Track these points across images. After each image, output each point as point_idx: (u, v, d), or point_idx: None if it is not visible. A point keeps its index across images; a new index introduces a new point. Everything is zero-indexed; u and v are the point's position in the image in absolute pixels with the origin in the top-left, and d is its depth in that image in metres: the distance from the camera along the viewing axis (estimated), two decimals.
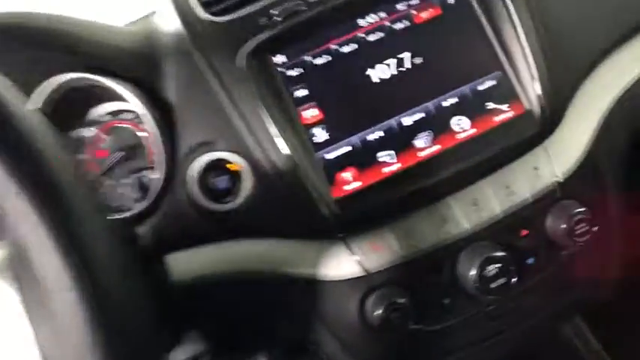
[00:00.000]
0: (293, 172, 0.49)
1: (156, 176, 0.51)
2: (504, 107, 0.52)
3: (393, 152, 0.51)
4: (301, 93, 0.51)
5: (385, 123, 0.51)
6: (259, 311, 0.55)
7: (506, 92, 0.52)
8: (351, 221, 0.50)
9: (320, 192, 0.49)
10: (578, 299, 0.56)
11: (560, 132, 0.53)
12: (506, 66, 0.52)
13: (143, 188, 0.55)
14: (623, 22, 0.56)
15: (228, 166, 0.51)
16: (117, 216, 0.51)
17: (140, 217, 0.52)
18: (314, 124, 0.51)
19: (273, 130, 0.49)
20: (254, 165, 0.50)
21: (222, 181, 0.51)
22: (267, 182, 0.49)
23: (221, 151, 0.51)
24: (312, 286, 0.52)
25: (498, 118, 0.52)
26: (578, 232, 0.50)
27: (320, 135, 0.51)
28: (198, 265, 0.52)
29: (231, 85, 0.50)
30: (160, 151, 0.50)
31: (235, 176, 0.51)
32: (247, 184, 0.50)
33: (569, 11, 0.54)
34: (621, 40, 0.56)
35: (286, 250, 0.52)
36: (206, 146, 0.51)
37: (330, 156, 0.51)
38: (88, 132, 0.56)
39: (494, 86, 0.52)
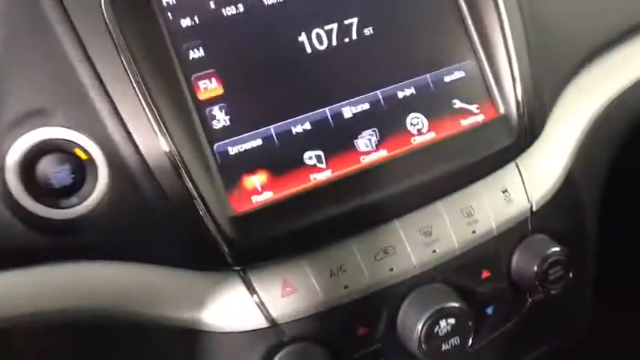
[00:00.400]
0: (172, 171, 0.32)
1: None
2: (473, 108, 0.40)
3: (322, 154, 0.36)
4: (196, 54, 0.35)
5: (316, 112, 0.36)
6: None
7: (477, 89, 0.40)
8: (255, 248, 0.34)
9: (212, 203, 0.33)
10: (542, 352, 0.45)
11: (538, 146, 0.42)
12: (482, 56, 0.39)
13: None
14: (616, 23, 0.47)
15: (75, 152, 0.33)
16: None
17: None
18: (211, 102, 0.35)
19: (146, 104, 0.32)
20: (112, 154, 0.33)
21: (60, 174, 0.33)
22: (130, 181, 0.33)
23: (63, 127, 0.33)
24: (192, 339, 0.35)
25: (465, 122, 0.39)
26: (552, 277, 0.39)
27: (219, 118, 0.35)
28: (12, 297, 0.34)
29: (87, 29, 0.32)
30: None
31: (81, 169, 0.33)
32: (100, 183, 0.33)
33: (560, 4, 0.44)
34: (612, 41, 0.46)
35: (154, 282, 0.35)
36: (39, 118, 0.33)
37: (233, 150, 0.35)
38: None
39: (463, 79, 0.39)
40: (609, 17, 0.46)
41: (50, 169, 0.33)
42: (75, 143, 0.33)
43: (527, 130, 0.39)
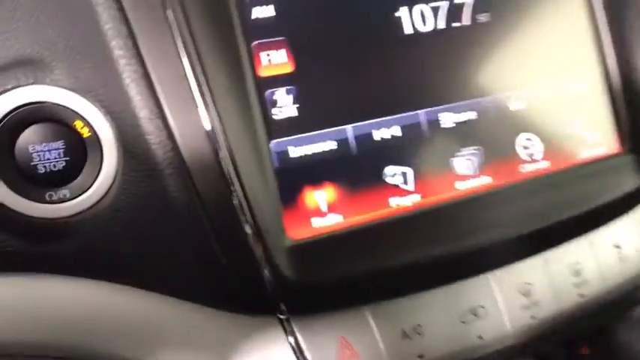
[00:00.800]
0: (216, 169, 0.23)
1: None
2: (595, 137, 0.31)
3: (409, 171, 0.27)
4: (262, 12, 0.25)
5: (407, 115, 0.27)
6: None
7: (602, 112, 0.32)
8: (310, 292, 0.24)
9: (263, 222, 0.23)
10: None
11: None
12: (615, 71, 0.31)
13: None
14: None
15: (74, 125, 0.23)
16: None
17: None
18: (274, 81, 0.25)
19: (190, 69, 0.22)
20: (128, 133, 0.23)
21: (49, 155, 0.23)
22: (149, 175, 0.23)
23: (61, 87, 0.23)
24: None
25: (584, 153, 0.31)
26: None
27: (282, 105, 0.25)
28: None
29: None
30: None
31: (79, 150, 0.23)
32: (105, 172, 0.23)
33: None
34: None
35: (161, 319, 0.25)
36: (29, 70, 0.23)
37: (295, 152, 0.25)
38: None
39: (588, 99, 0.31)
40: None
41: (36, 146, 0.23)
42: (75, 113, 0.23)
43: None
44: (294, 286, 0.24)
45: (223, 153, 0.22)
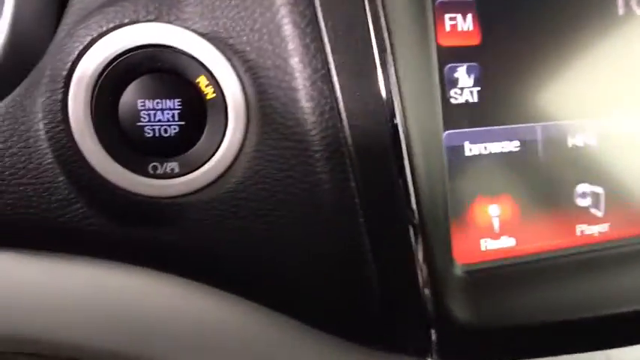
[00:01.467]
0: (382, 160, 0.17)
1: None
2: None
3: (601, 192, 0.21)
4: None
5: (610, 120, 0.21)
6: None
7: None
8: (475, 334, 0.18)
9: (433, 239, 0.18)
10: None
11: None
12: None
13: None
14: None
15: (196, 81, 0.17)
16: None
17: None
18: (459, 54, 0.19)
19: (379, 27, 0.16)
20: (270, 99, 0.17)
21: (161, 115, 0.18)
22: (295, 155, 0.17)
23: (188, 29, 0.17)
24: None
25: None
26: None
27: (463, 87, 0.20)
28: (32, 303, 0.18)
29: None
30: None
31: (198, 113, 0.17)
32: (231, 143, 0.17)
33: None
34: None
35: (267, 342, 0.20)
36: (148, 1, 0.17)
37: (472, 149, 0.19)
38: None
39: None
40: None
41: (146, 101, 0.17)
42: (202, 65, 0.17)
43: None
44: (457, 325, 0.18)
45: (404, 138, 0.16)
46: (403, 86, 0.17)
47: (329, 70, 0.16)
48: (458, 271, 0.18)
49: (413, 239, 0.17)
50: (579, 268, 0.20)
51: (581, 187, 0.21)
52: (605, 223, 0.21)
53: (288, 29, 0.17)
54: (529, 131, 0.20)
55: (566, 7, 0.20)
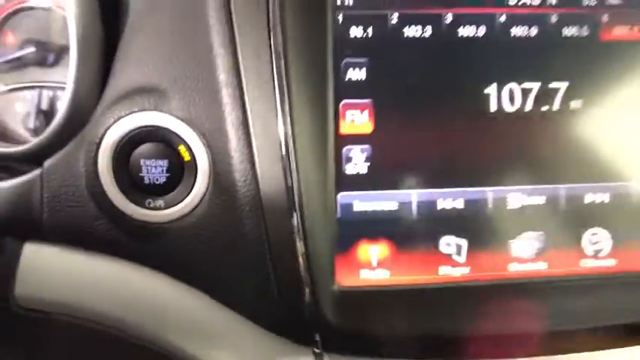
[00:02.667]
0: (286, 210, 0.25)
1: (65, 103, 0.28)
2: None
3: (464, 244, 0.28)
4: (357, 75, 0.27)
5: (475, 190, 0.28)
6: None
7: None
8: (348, 337, 0.27)
9: (317, 266, 0.26)
10: None
11: None
12: None
13: (46, 115, 0.33)
14: None
15: (178, 148, 0.27)
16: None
17: (26, 160, 0.28)
18: (353, 139, 0.27)
19: (286, 118, 0.25)
20: (221, 166, 0.26)
21: (155, 169, 0.28)
22: (231, 203, 0.26)
23: (174, 116, 0.27)
24: None
25: None
26: None
27: (356, 162, 0.28)
28: (65, 282, 0.29)
29: (245, 14, 0.26)
30: (86, 66, 0.27)
31: (179, 170, 0.27)
32: (195, 192, 0.27)
33: None
34: None
35: (220, 327, 0.29)
36: (147, 98, 0.27)
37: (359, 206, 0.28)
38: None
39: None
40: None
41: (146, 160, 0.27)
42: (181, 139, 0.27)
43: None
44: (332, 327, 0.26)
45: (295, 199, 0.25)
46: (301, 164, 0.25)
47: (252, 152, 0.25)
48: (336, 290, 0.26)
49: (302, 268, 0.26)
50: (439, 300, 0.27)
51: (445, 239, 0.28)
52: (466, 267, 0.28)
53: (228, 125, 0.26)
54: (406, 196, 0.27)
55: (441, 106, 0.27)
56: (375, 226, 0.27)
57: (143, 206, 0.27)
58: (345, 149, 0.27)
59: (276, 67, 0.25)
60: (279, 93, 0.25)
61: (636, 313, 0.28)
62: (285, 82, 0.25)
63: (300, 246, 0.25)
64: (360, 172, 0.27)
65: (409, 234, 0.28)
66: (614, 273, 0.29)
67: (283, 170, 0.25)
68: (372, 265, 0.28)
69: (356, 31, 0.27)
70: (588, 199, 0.29)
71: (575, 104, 0.28)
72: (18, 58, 0.33)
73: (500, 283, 0.28)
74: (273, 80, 0.25)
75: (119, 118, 0.27)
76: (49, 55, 0.33)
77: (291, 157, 0.25)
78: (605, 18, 0.28)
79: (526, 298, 0.28)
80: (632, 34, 0.28)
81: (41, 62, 0.33)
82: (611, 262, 0.29)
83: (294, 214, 0.25)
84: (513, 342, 0.28)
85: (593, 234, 0.29)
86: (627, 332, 0.28)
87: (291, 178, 0.25)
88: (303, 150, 0.26)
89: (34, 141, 0.29)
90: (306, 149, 0.26)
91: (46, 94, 0.33)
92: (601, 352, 0.29)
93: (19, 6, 0.33)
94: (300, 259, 0.25)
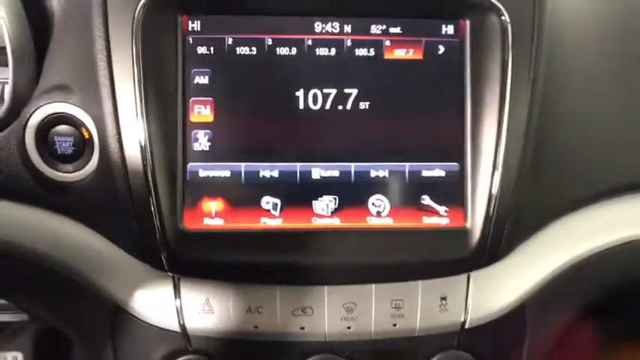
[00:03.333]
0: (142, 173, 0.37)
1: (7, 94, 0.39)
2: (441, 210, 0.40)
3: (278, 203, 0.39)
4: (202, 80, 0.39)
5: (287, 164, 0.39)
6: (51, 306, 0.45)
7: (451, 193, 0.40)
8: (191, 264, 0.38)
9: (166, 213, 0.37)
10: None
11: (498, 269, 0.41)
12: (468, 162, 0.39)
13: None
14: (623, 175, 0.43)
15: (81, 130, 0.39)
16: None
17: None
18: (199, 126, 0.39)
19: (141, 111, 0.36)
20: (105, 143, 0.38)
21: (65, 144, 0.39)
22: (111, 169, 0.38)
23: (77, 107, 0.38)
24: (115, 313, 0.41)
25: (427, 220, 0.39)
26: None
27: (201, 142, 0.39)
28: (6, 225, 0.41)
29: (117, 32, 0.37)
30: (21, 66, 0.38)
31: (81, 145, 0.39)
32: (92, 162, 0.38)
33: (581, 137, 0.42)
34: (614, 192, 0.43)
35: (107, 256, 0.41)
36: (61, 93, 0.39)
37: (203, 173, 0.39)
38: None
39: (440, 179, 0.40)
40: (623, 166, 0.43)
41: (59, 136, 0.39)
42: (82, 123, 0.39)
43: (487, 251, 0.39)
44: (181, 258, 0.38)
45: (149, 164, 0.36)
46: (156, 141, 0.36)
47: (120, 134, 0.37)
48: (182, 229, 0.37)
49: (155, 217, 0.37)
50: (257, 240, 0.38)
51: (266, 199, 0.39)
52: (280, 219, 0.39)
53: (106, 112, 0.37)
54: (237, 167, 0.39)
55: (264, 104, 0.38)
56: (214, 188, 0.39)
57: (57, 169, 0.39)
58: (193, 132, 0.38)
59: (137, 72, 0.36)
60: (139, 90, 0.36)
61: (405, 254, 0.39)
62: (143, 83, 0.36)
63: (152, 201, 0.36)
64: (204, 149, 0.38)
65: (239, 194, 0.39)
66: (390, 227, 0.39)
67: (142, 148, 0.36)
68: (212, 216, 0.39)
69: (201, 49, 0.38)
70: (373, 174, 0.39)
71: (363, 105, 0.39)
72: None
73: (304, 232, 0.38)
74: (134, 82, 0.36)
75: (40, 106, 0.39)
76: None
77: (147, 138, 0.36)
78: (387, 42, 0.39)
79: (324, 243, 0.38)
80: (407, 55, 0.39)
81: None
82: (388, 221, 0.39)
83: (149, 179, 0.36)
84: (318, 272, 0.39)
85: (377, 199, 0.39)
86: (397, 267, 0.39)
87: (150, 154, 0.36)
88: (159, 131, 0.37)
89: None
90: (162, 131, 0.37)
91: None
92: (381, 284, 0.39)
93: None
94: (153, 210, 0.37)
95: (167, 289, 0.40)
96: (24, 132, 0.38)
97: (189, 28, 0.38)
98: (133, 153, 0.37)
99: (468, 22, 0.39)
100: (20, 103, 0.39)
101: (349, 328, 0.40)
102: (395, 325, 0.40)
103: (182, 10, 0.37)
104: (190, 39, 0.38)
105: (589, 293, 0.47)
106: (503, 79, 0.38)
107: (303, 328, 0.39)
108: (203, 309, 0.39)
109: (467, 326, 0.40)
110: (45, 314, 0.48)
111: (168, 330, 0.39)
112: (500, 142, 0.38)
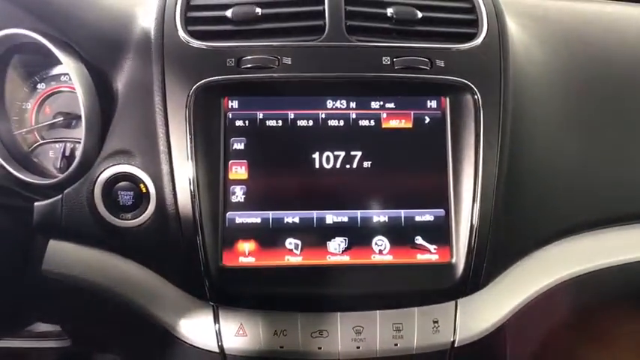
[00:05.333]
0: (192, 222, 0.46)
1: (79, 154, 0.49)
2: (431, 248, 0.49)
3: (300, 243, 0.48)
4: (238, 146, 0.49)
5: (306, 212, 0.48)
6: (107, 331, 0.53)
7: (439, 234, 0.48)
8: (230, 295, 0.47)
9: (210, 253, 0.46)
10: None
11: (481, 296, 0.50)
12: (452, 208, 0.48)
13: (69, 160, 0.54)
14: (590, 212, 0.52)
15: (140, 185, 0.48)
16: (38, 179, 0.50)
17: (54, 189, 0.49)
18: (236, 182, 0.48)
19: (192, 173, 0.46)
20: (161, 197, 0.47)
21: (126, 196, 0.49)
22: (165, 217, 0.47)
23: (137, 167, 0.48)
24: (164, 336, 0.49)
25: (421, 257, 0.48)
26: None
27: (237, 195, 0.48)
28: (73, 263, 0.50)
29: (174, 110, 0.47)
30: (91, 131, 0.48)
31: (139, 198, 0.48)
32: (148, 211, 0.48)
33: (540, 184, 0.51)
34: (575, 229, 0.52)
35: (159, 289, 0.49)
36: (124, 156, 0.48)
37: (238, 220, 0.48)
38: (41, 86, 0.54)
39: (430, 222, 0.49)
40: (589, 205, 0.52)
41: (121, 191, 0.48)
42: (141, 180, 0.48)
43: (470, 281, 0.47)
44: (220, 290, 0.46)
45: (198, 215, 0.45)
46: (203, 196, 0.46)
47: (175, 191, 0.46)
48: (222, 266, 0.46)
49: (201, 256, 0.45)
50: (282, 274, 0.47)
51: (289, 241, 0.48)
52: (301, 257, 0.48)
53: (164, 171, 0.47)
54: (265, 215, 0.48)
55: (288, 165, 0.48)
56: (247, 232, 0.48)
57: (119, 218, 0.48)
58: (231, 187, 0.48)
59: (190, 140, 0.46)
60: (191, 155, 0.46)
61: (403, 285, 0.47)
62: (194, 149, 0.46)
63: (199, 243, 0.45)
64: (240, 201, 0.48)
65: (267, 237, 0.48)
66: (390, 263, 0.48)
67: (192, 200, 0.46)
68: (246, 254, 0.48)
69: (239, 122, 0.48)
70: (375, 219, 0.48)
71: (366, 164, 0.49)
72: (52, 123, 0.54)
73: (320, 267, 0.47)
74: (187, 148, 0.46)
75: (107, 168, 0.48)
76: (72, 121, 0.55)
77: (196, 193, 0.46)
78: (384, 115, 0.49)
79: (337, 277, 0.47)
80: (400, 124, 0.49)
81: (67, 126, 0.55)
82: (389, 258, 0.48)
83: (197, 225, 0.45)
84: (332, 301, 0.47)
85: (379, 239, 0.48)
86: (397, 296, 0.47)
87: (196, 204, 0.46)
88: (205, 188, 0.46)
89: (60, 177, 0.50)
90: (207, 188, 0.47)
91: (69, 146, 0.55)
92: (385, 310, 0.48)
93: (53, 90, 0.54)
94: (199, 250, 0.45)
95: (208, 316, 0.48)
96: (93, 187, 0.48)
97: (229, 106, 0.48)
98: (184, 204, 0.46)
99: (447, 99, 0.49)
100: (88, 161, 0.49)
101: (358, 347, 0.48)
102: (396, 344, 0.48)
103: (224, 93, 0.48)
104: (230, 114, 0.48)
105: (562, 314, 0.55)
106: (477, 143, 0.48)
107: (320, 348, 0.47)
108: (238, 332, 0.47)
109: (456, 345, 0.48)
110: (103, 338, 0.56)
111: (208, 350, 0.47)
112: (477, 192, 0.47)
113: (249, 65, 0.47)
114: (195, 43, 0.48)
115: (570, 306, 0.54)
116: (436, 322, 0.49)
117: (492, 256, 0.47)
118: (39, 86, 0.54)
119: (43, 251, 0.50)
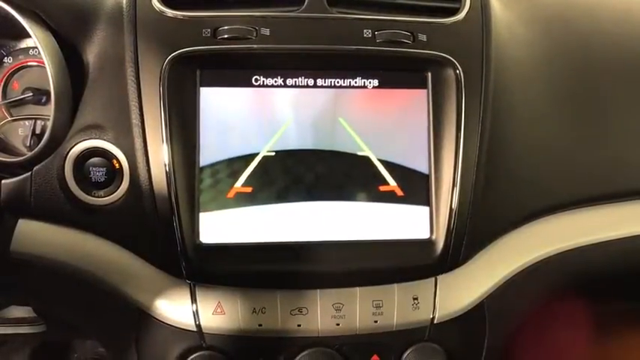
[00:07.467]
0: (168, 197, 0.44)
1: (48, 130, 0.47)
2: (414, 225, 0.48)
3: None
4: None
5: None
6: (81, 313, 0.51)
7: (422, 214, 0.48)
8: (207, 273, 0.46)
9: (187, 229, 0.45)
10: None
11: (460, 272, 0.49)
12: (432, 185, 0.48)
13: (39, 138, 0.51)
14: (575, 190, 0.53)
15: (112, 161, 0.46)
16: (5, 156, 0.47)
17: (22, 166, 0.47)
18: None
19: (167, 147, 0.44)
20: (135, 172, 0.45)
21: (98, 173, 0.47)
22: (140, 194, 0.45)
23: (110, 142, 0.46)
24: (140, 316, 0.48)
25: (401, 234, 0.48)
26: None
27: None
28: (44, 243, 0.48)
29: (147, 82, 0.45)
30: (61, 108, 0.46)
31: (112, 174, 0.46)
32: (122, 188, 0.46)
33: (521, 162, 0.51)
34: (564, 205, 0.52)
35: (133, 267, 0.48)
36: (96, 130, 0.46)
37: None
38: (8, 60, 0.52)
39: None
40: (569, 184, 0.52)
41: (93, 167, 0.47)
42: (114, 155, 0.46)
43: (449, 258, 0.47)
44: (196, 267, 0.45)
45: (173, 197, 0.44)
46: (178, 171, 0.44)
47: (149, 164, 0.44)
48: (200, 244, 0.45)
49: (177, 232, 0.44)
50: (262, 253, 0.46)
51: None
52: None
53: (137, 146, 0.45)
54: None
55: (287, 187, 0.46)
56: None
57: (91, 195, 0.46)
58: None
59: (164, 114, 0.44)
60: (165, 129, 0.44)
61: (382, 261, 0.47)
62: (168, 122, 0.44)
63: (175, 220, 0.44)
64: None
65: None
66: (370, 240, 0.47)
67: (167, 175, 0.44)
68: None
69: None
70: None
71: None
72: (21, 99, 0.52)
73: (304, 244, 0.46)
74: (161, 121, 0.44)
75: (78, 142, 0.46)
76: (41, 97, 0.52)
77: (171, 172, 0.44)
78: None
79: (317, 254, 0.46)
80: None
81: (36, 102, 0.52)
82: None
83: (172, 201, 0.44)
84: (311, 278, 0.46)
85: None
86: (377, 273, 0.47)
87: (172, 180, 0.44)
88: (180, 164, 0.45)
89: (28, 154, 0.48)
90: (182, 163, 0.45)
91: (40, 123, 0.52)
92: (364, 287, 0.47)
93: (20, 64, 0.51)
94: (175, 227, 0.44)
95: (184, 294, 0.47)
96: (63, 163, 0.46)
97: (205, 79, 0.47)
98: (159, 180, 0.44)
99: (429, 74, 0.48)
100: (58, 138, 0.47)
101: (338, 324, 0.47)
102: (376, 321, 0.48)
103: (199, 65, 0.46)
104: (202, 88, 0.47)
105: (541, 294, 0.55)
106: (458, 118, 0.47)
107: (299, 326, 0.47)
108: (215, 311, 0.46)
109: (436, 322, 0.48)
110: (77, 321, 0.55)
111: (185, 329, 0.47)
112: (457, 168, 0.47)
113: (225, 36, 0.46)
114: (170, 12, 0.46)
115: (550, 284, 0.54)
116: (416, 298, 0.48)
117: (472, 233, 0.47)
118: (5, 60, 0.51)
119: (11, 231, 0.48)
